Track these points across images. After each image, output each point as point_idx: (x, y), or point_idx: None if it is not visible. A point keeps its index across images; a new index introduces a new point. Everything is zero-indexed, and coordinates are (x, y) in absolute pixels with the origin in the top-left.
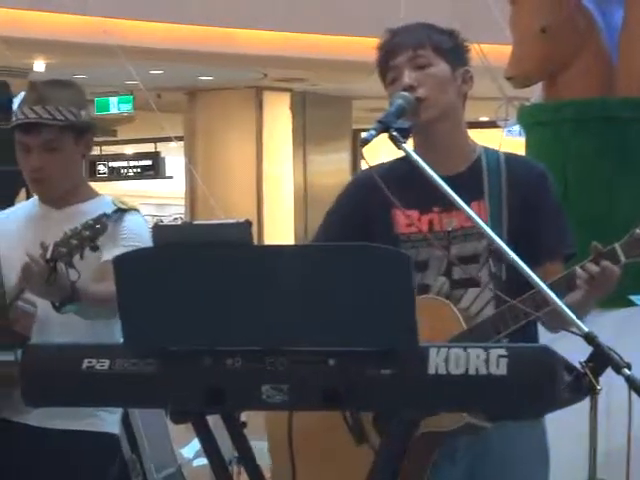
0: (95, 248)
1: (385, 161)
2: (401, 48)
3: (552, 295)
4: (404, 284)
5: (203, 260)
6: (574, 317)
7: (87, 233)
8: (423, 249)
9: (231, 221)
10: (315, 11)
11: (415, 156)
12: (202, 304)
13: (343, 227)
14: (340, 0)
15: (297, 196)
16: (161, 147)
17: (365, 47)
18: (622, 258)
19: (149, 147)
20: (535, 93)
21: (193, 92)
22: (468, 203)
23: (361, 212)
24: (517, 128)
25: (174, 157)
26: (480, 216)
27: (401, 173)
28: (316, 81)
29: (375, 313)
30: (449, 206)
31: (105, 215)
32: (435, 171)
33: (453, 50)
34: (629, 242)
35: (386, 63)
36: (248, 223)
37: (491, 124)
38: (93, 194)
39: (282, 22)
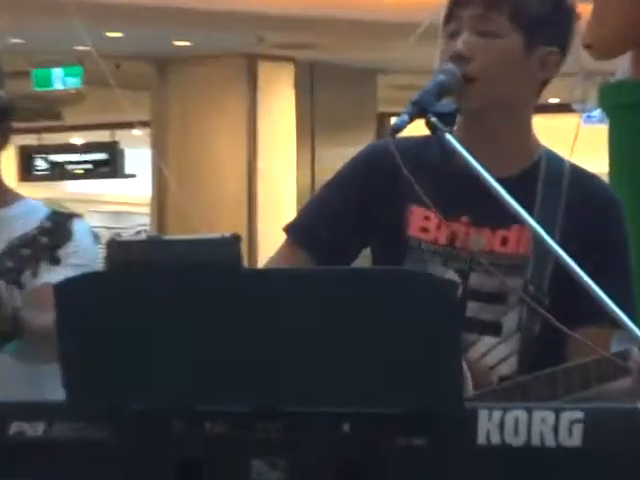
0: (56, 261)
1: (415, 135)
2: None
3: None
4: (449, 324)
5: (175, 288)
6: None
7: (45, 240)
8: (436, 266)
9: (214, 236)
10: None
11: (463, 151)
12: (173, 347)
13: (337, 213)
14: None
15: (301, 202)
16: (120, 136)
17: (397, 2)
18: None
19: (104, 136)
20: (622, 66)
21: (164, 62)
22: (509, 224)
23: (366, 195)
24: (598, 113)
25: (137, 149)
26: (519, 244)
27: (431, 157)
28: (328, 48)
29: (407, 362)
30: (481, 220)
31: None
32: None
33: (542, 21)
34: None
35: (449, 9)
36: (236, 238)
37: (564, 108)
38: (14, 196)
39: None
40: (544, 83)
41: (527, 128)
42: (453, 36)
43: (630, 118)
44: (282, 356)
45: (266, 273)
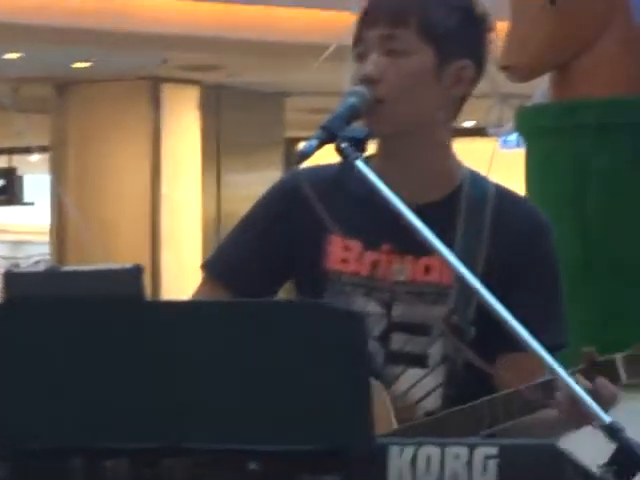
0: None
1: (328, 163)
2: (377, 16)
3: (564, 376)
4: (356, 357)
5: (74, 320)
6: (591, 401)
7: None
8: (358, 298)
9: (115, 266)
10: None
11: (373, 178)
12: (72, 381)
13: (256, 248)
14: None
15: (207, 230)
16: (18, 161)
17: (305, 23)
18: (623, 376)
19: (1, 161)
20: (539, 89)
21: (63, 84)
22: (430, 252)
23: (284, 229)
24: (515, 137)
25: (36, 175)
26: (443, 272)
27: (351, 184)
28: (235, 70)
29: (315, 398)
30: (404, 247)
31: None
32: (397, 195)
33: (452, 33)
34: (635, 355)
35: (356, 31)
36: (139, 269)
37: (479, 132)
38: None
39: None
40: (461, 101)
41: (445, 149)
42: (362, 58)
43: (549, 143)
44: (188, 390)
45: (170, 305)
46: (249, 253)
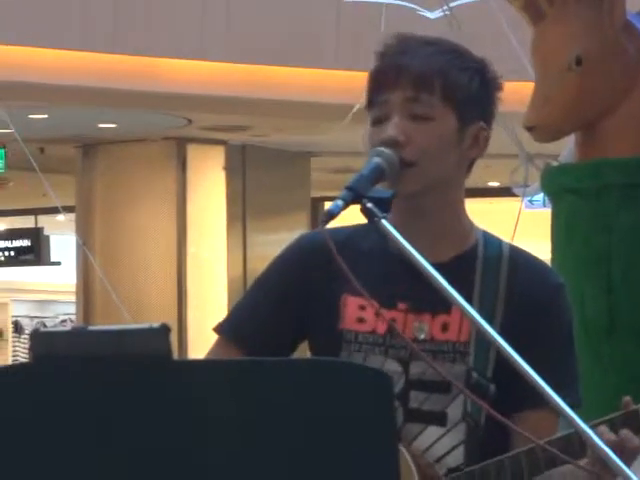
0: None
1: (345, 225)
2: (397, 79)
3: (594, 436)
4: (382, 421)
5: (100, 380)
6: (625, 468)
7: None
8: (374, 357)
9: (142, 326)
10: (262, 34)
11: (399, 237)
12: (97, 441)
13: (270, 310)
14: (296, 18)
15: (232, 290)
16: (44, 221)
17: (331, 83)
18: None
19: (28, 221)
20: (565, 149)
21: (89, 145)
22: (447, 310)
23: (300, 290)
24: (541, 197)
25: (62, 236)
26: (461, 329)
27: (368, 245)
28: (261, 130)
29: (340, 463)
30: (420, 306)
31: None
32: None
33: (472, 98)
34: None
35: (373, 94)
36: (166, 328)
37: (505, 192)
38: None
39: (214, 49)
40: (473, 161)
41: (460, 209)
42: (380, 121)
43: (574, 203)
44: (214, 452)
45: (198, 364)
46: (264, 316)
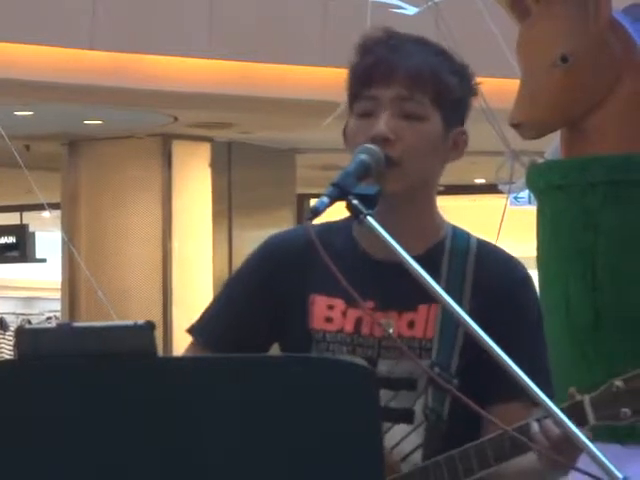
0: None
1: (321, 222)
2: (391, 76)
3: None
4: (369, 417)
5: (85, 376)
6: (600, 455)
7: None
8: (342, 356)
9: (127, 323)
10: (247, 31)
11: (385, 234)
12: (83, 436)
13: (241, 313)
14: (282, 15)
15: (218, 286)
16: (29, 218)
17: (317, 80)
18: (591, 418)
19: (13, 218)
20: (551, 146)
21: (75, 142)
22: (413, 308)
23: (270, 291)
24: (526, 194)
25: (48, 232)
26: (427, 326)
27: (337, 243)
28: (247, 127)
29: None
30: (387, 304)
31: None
32: (380, 250)
33: (457, 102)
34: (603, 396)
35: (361, 87)
36: (151, 325)
37: (491, 188)
38: None
39: (200, 46)
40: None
41: (433, 206)
42: (367, 115)
43: (560, 200)
44: (200, 448)
45: (183, 361)
46: (234, 318)
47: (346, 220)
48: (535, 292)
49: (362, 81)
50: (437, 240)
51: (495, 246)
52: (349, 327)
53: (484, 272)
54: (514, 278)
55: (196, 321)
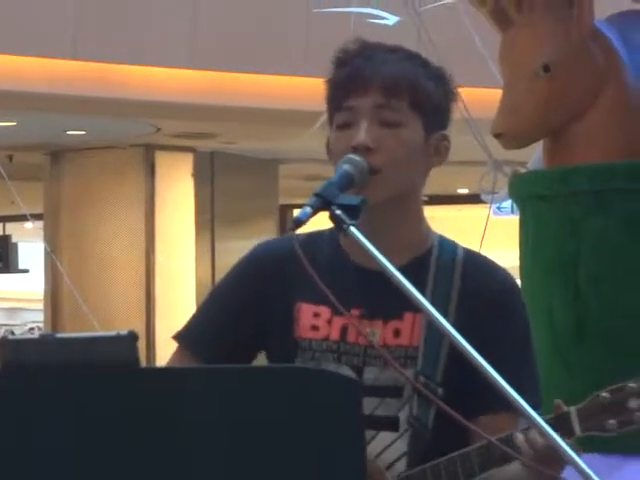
0: None
1: (305, 232)
2: (367, 85)
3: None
4: (350, 428)
5: (68, 387)
6: (583, 465)
7: None
8: (327, 364)
9: (110, 334)
10: (229, 41)
11: (368, 244)
12: (64, 449)
13: (226, 321)
14: (265, 25)
15: (200, 297)
16: (12, 229)
17: (299, 90)
18: (577, 430)
19: None
20: (533, 156)
21: (58, 152)
22: (399, 316)
23: (255, 300)
24: (509, 204)
25: (30, 243)
26: (412, 335)
27: (322, 252)
28: (229, 137)
29: (309, 464)
30: (372, 312)
31: None
32: (367, 259)
33: (436, 107)
34: (589, 408)
35: (338, 99)
36: (133, 336)
37: (474, 199)
38: None
39: (183, 56)
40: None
41: (419, 215)
42: (346, 126)
43: (542, 210)
44: (188, 455)
45: (165, 371)
46: (220, 327)
47: (334, 228)
48: (523, 302)
49: (339, 93)
50: (423, 250)
51: (483, 256)
52: (335, 335)
53: (471, 282)
54: (502, 288)
55: (182, 328)
